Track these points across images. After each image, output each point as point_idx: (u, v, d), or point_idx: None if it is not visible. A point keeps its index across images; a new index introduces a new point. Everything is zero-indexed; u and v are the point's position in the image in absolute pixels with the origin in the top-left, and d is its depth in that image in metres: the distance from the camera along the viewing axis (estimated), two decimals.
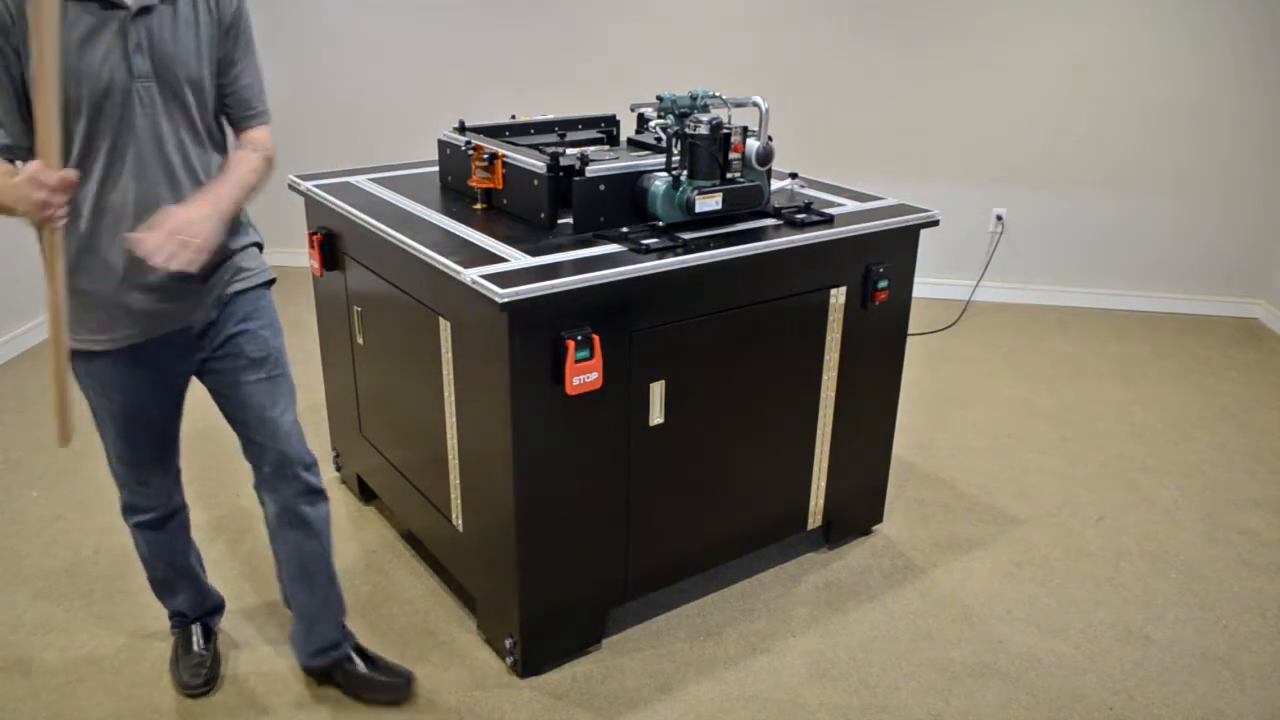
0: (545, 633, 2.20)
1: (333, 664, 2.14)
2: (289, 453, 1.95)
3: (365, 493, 2.90)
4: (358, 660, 2.15)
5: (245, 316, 1.90)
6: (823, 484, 2.58)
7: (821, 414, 2.49)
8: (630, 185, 2.23)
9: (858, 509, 2.73)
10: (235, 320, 1.89)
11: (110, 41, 1.62)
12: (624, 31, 4.61)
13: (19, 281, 3.96)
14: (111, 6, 1.61)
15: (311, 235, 2.64)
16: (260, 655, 2.28)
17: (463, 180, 2.49)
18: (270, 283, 1.98)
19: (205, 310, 1.86)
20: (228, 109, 1.85)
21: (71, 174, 1.56)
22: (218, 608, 2.31)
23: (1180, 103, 4.37)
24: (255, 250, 1.95)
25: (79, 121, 1.63)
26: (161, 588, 2.20)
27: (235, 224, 1.86)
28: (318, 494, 2.02)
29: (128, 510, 2.06)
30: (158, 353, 1.85)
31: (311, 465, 2.00)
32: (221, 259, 1.85)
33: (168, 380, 1.90)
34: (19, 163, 1.64)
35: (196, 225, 1.63)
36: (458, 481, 2.27)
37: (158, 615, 2.41)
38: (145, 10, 1.64)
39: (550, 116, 2.76)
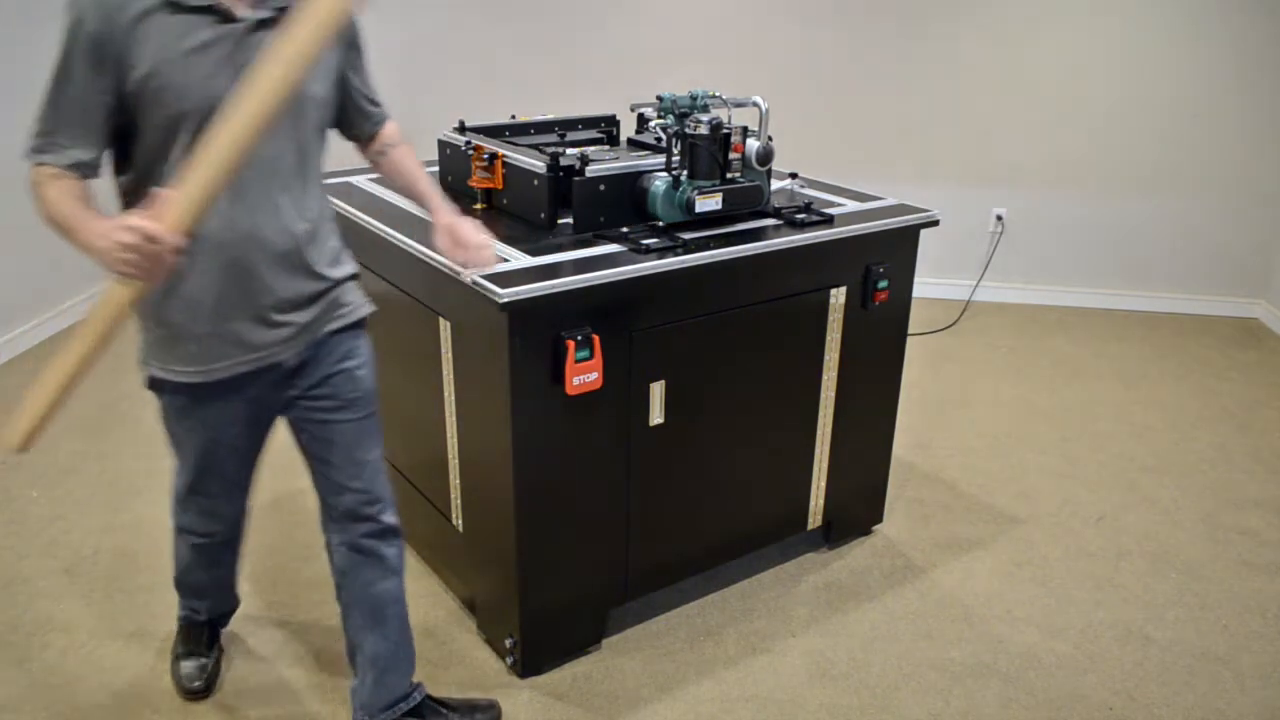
0: (545, 633, 2.20)
1: (415, 713, 1.97)
2: (371, 491, 1.83)
3: None
4: (434, 711, 1.99)
5: (343, 356, 1.77)
6: (823, 484, 2.58)
7: (821, 414, 2.49)
8: (630, 185, 2.23)
9: (858, 509, 2.73)
10: (333, 359, 1.76)
11: (222, 56, 1.50)
12: (624, 31, 4.61)
13: (19, 282, 3.96)
14: (227, 20, 1.50)
15: None
16: (260, 656, 2.28)
17: (463, 180, 2.49)
18: (365, 319, 1.83)
19: (299, 347, 1.71)
20: (351, 119, 1.79)
21: (182, 243, 1.42)
22: (232, 610, 2.28)
23: (1180, 103, 4.37)
24: (353, 284, 1.80)
25: (180, 139, 1.51)
26: (189, 590, 2.14)
27: (335, 252, 1.74)
28: (393, 533, 1.88)
29: (184, 530, 1.98)
30: (248, 388, 1.71)
31: (389, 504, 1.87)
32: (322, 290, 1.72)
33: (255, 415, 1.77)
34: (89, 181, 1.55)
35: (480, 233, 1.68)
36: (458, 481, 2.27)
37: (157, 615, 2.41)
38: (262, 24, 1.52)
39: (550, 116, 2.76)
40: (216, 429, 1.75)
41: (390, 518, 1.87)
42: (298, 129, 1.60)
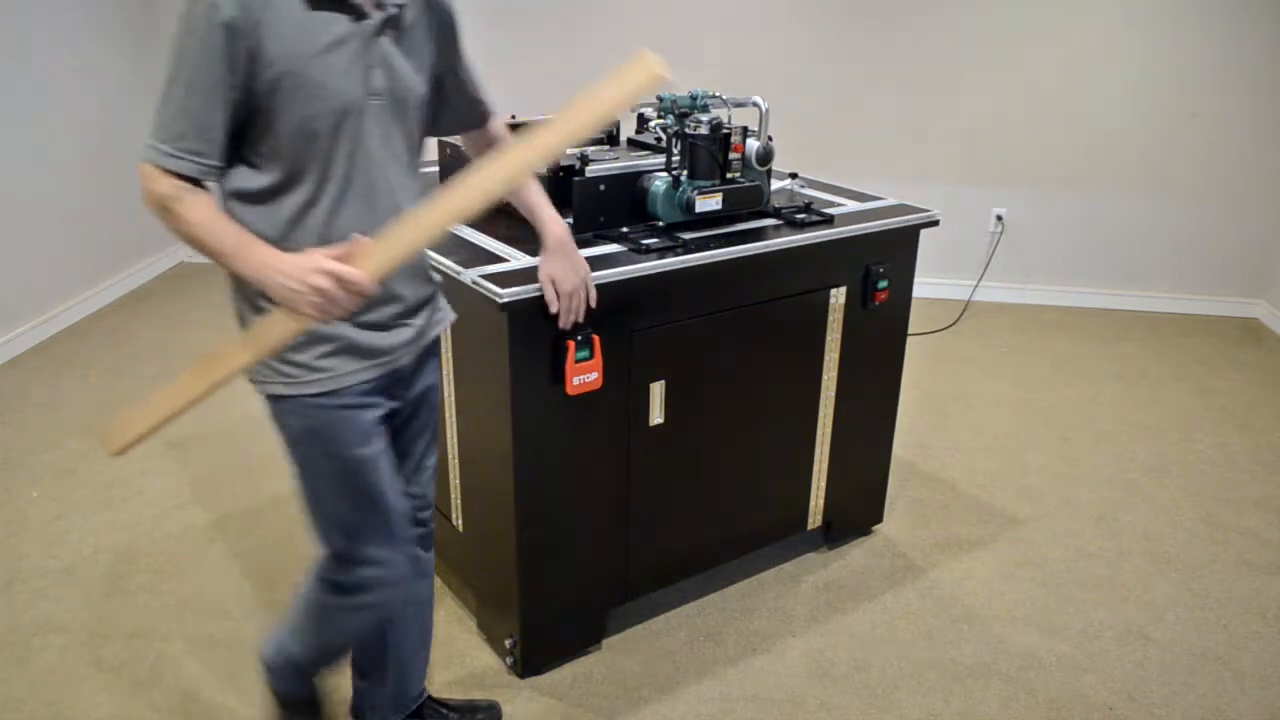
0: (545, 633, 2.20)
1: (416, 714, 1.98)
2: (425, 496, 1.80)
3: None
4: (435, 711, 2.00)
5: (434, 367, 1.72)
6: (823, 484, 2.58)
7: (821, 414, 2.49)
8: (630, 185, 2.23)
9: (858, 509, 2.73)
10: (429, 370, 1.70)
11: (353, 54, 1.42)
12: (624, 31, 4.61)
13: (19, 282, 3.96)
14: (360, 17, 1.42)
15: None
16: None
17: None
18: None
19: (415, 350, 1.64)
20: (459, 114, 1.71)
21: (374, 291, 1.35)
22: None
23: (1180, 103, 4.37)
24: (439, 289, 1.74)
25: (315, 142, 1.42)
26: (348, 667, 1.90)
27: (426, 256, 1.68)
28: (431, 536, 1.86)
29: (356, 589, 1.66)
30: (375, 395, 1.59)
31: (432, 506, 1.84)
32: (431, 294, 1.67)
33: (381, 425, 1.63)
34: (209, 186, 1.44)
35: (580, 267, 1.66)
36: (458, 481, 2.27)
37: (157, 615, 2.41)
38: (389, 21, 1.46)
39: (550, 116, 2.76)
40: (358, 441, 1.58)
41: (431, 522, 1.85)
42: (409, 131, 1.54)
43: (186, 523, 2.81)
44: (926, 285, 4.79)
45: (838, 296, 2.39)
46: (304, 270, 1.32)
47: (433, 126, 1.69)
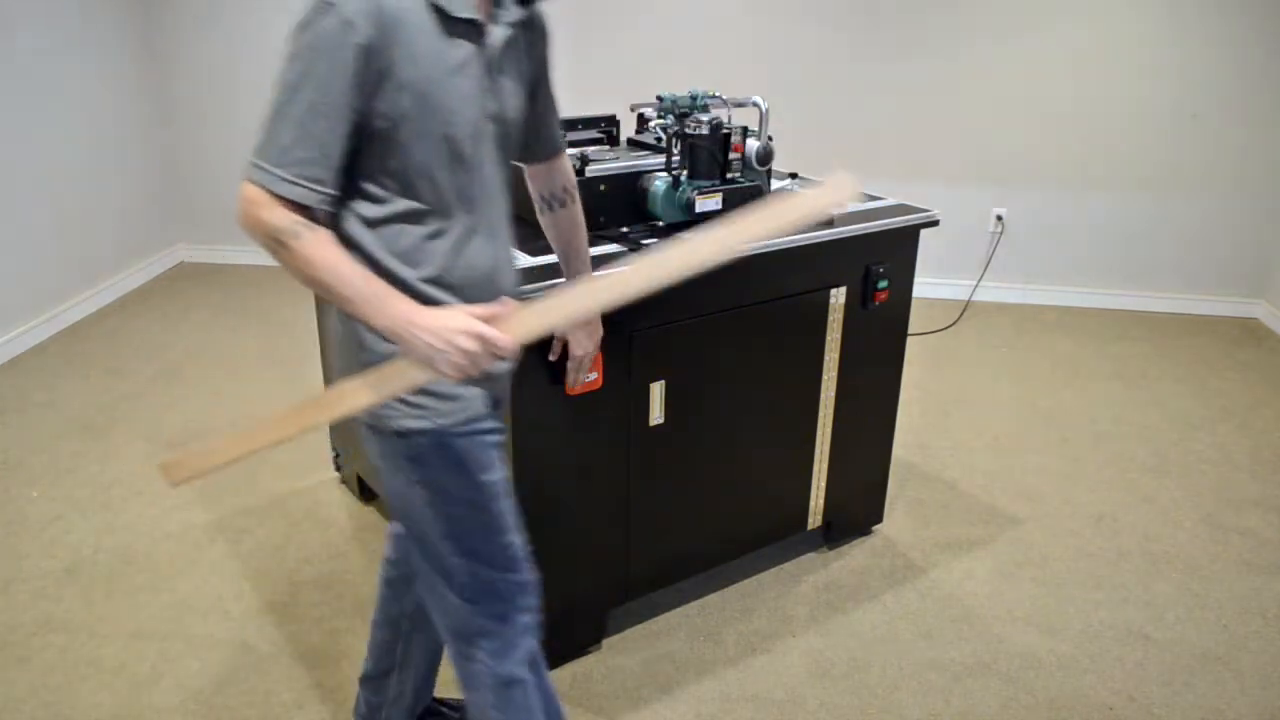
0: (545, 633, 2.20)
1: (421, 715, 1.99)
2: None
3: (365, 493, 2.90)
4: (435, 712, 2.01)
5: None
6: (823, 484, 2.58)
7: (821, 414, 2.49)
8: (630, 185, 2.23)
9: (858, 509, 2.73)
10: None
11: (476, 77, 1.36)
12: (624, 31, 4.61)
13: (19, 282, 3.96)
14: (481, 41, 1.37)
15: None
16: (260, 655, 2.28)
17: None
18: None
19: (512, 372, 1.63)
20: (536, 142, 1.64)
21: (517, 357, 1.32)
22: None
23: (1180, 103, 4.37)
24: None
25: (442, 169, 1.36)
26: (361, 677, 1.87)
27: None
28: None
29: (505, 651, 1.57)
30: (493, 420, 1.55)
31: None
32: None
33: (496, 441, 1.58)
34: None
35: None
36: None
37: (157, 615, 2.41)
38: (507, 45, 1.42)
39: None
40: (492, 470, 1.54)
41: None
42: (507, 151, 1.48)
43: (186, 523, 2.81)
44: (926, 285, 4.79)
45: (838, 296, 2.39)
46: (451, 331, 1.26)
47: (523, 152, 1.64)
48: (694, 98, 2.23)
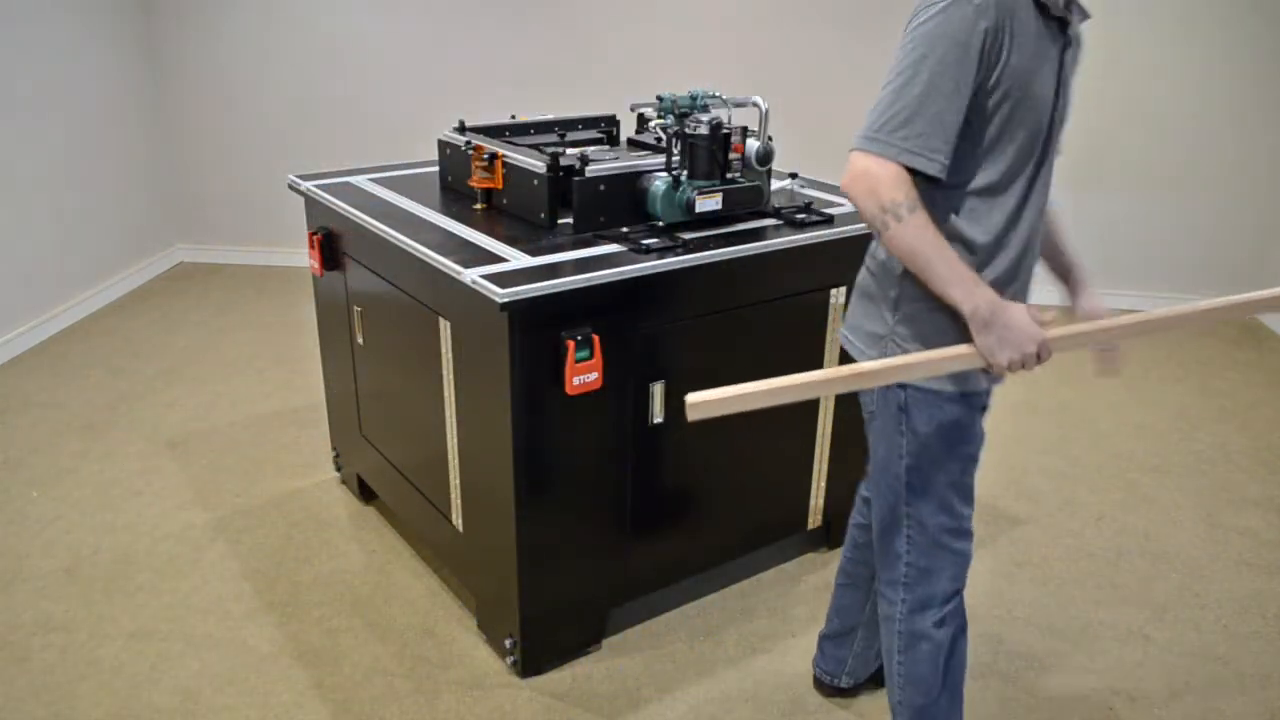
0: (545, 633, 2.20)
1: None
2: None
3: (365, 493, 2.90)
4: None
5: None
6: (823, 484, 2.58)
7: (822, 414, 2.49)
8: (630, 185, 2.23)
9: None
10: None
11: (1054, 70, 1.44)
12: (624, 31, 4.61)
13: (19, 282, 3.96)
14: (1063, 32, 1.44)
15: (311, 235, 2.64)
16: (260, 655, 2.28)
17: (463, 180, 2.49)
18: None
19: None
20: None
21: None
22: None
23: (1180, 102, 4.37)
24: None
25: (1023, 159, 1.46)
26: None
27: None
28: None
29: (919, 607, 1.72)
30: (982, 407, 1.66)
31: None
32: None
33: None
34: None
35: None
36: (458, 481, 2.27)
37: (157, 615, 2.41)
38: (1073, 48, 1.48)
39: (550, 116, 2.76)
40: (975, 441, 1.66)
41: None
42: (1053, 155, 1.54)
43: (186, 523, 2.81)
44: None
45: (838, 296, 2.39)
46: (1029, 336, 1.40)
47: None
48: (694, 98, 2.23)
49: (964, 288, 1.41)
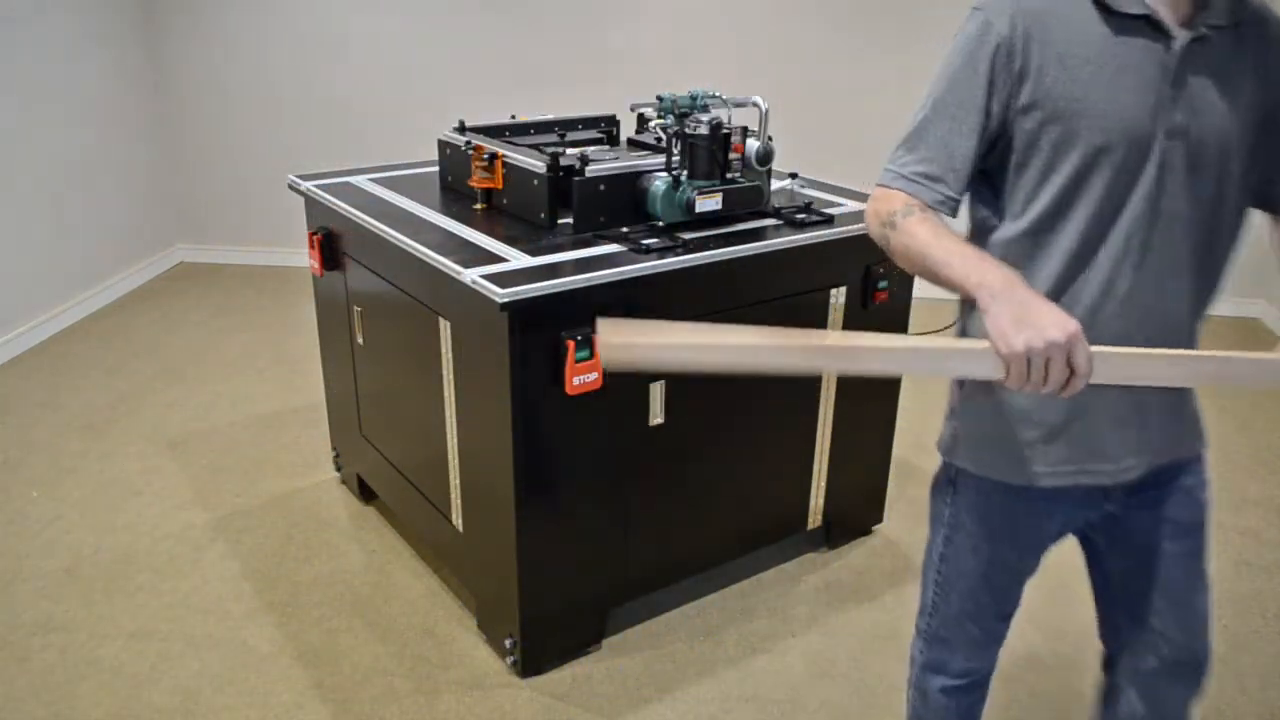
0: (545, 633, 2.20)
1: None
2: (1200, 653, 1.44)
3: (365, 493, 2.90)
4: None
5: (1181, 470, 1.39)
6: (823, 484, 2.58)
7: (821, 414, 2.49)
8: (630, 185, 2.23)
9: (858, 509, 2.73)
10: (1169, 473, 1.39)
11: (1147, 79, 1.19)
12: (624, 31, 4.61)
13: (19, 282, 3.96)
14: (1160, 35, 1.19)
15: (311, 235, 2.64)
16: (260, 655, 2.28)
17: (463, 180, 2.49)
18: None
19: (1148, 465, 1.34)
20: (1272, 184, 1.34)
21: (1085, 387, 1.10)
22: None
23: None
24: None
25: (1091, 181, 1.21)
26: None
27: None
28: (1201, 695, 1.50)
29: (932, 669, 1.62)
30: (1068, 501, 1.39)
31: (1209, 663, 1.47)
32: (1188, 399, 1.38)
33: (1055, 531, 1.45)
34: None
35: None
36: (458, 481, 2.27)
37: (157, 615, 2.41)
38: (1197, 42, 1.20)
39: (550, 116, 2.76)
40: (1012, 543, 1.45)
41: (1205, 678, 1.48)
42: (1213, 180, 1.26)
43: (186, 523, 2.81)
44: (926, 285, 4.78)
45: (838, 296, 2.39)
46: (1055, 321, 1.05)
47: (1262, 197, 1.36)
48: (694, 98, 2.23)
49: (969, 264, 1.15)
